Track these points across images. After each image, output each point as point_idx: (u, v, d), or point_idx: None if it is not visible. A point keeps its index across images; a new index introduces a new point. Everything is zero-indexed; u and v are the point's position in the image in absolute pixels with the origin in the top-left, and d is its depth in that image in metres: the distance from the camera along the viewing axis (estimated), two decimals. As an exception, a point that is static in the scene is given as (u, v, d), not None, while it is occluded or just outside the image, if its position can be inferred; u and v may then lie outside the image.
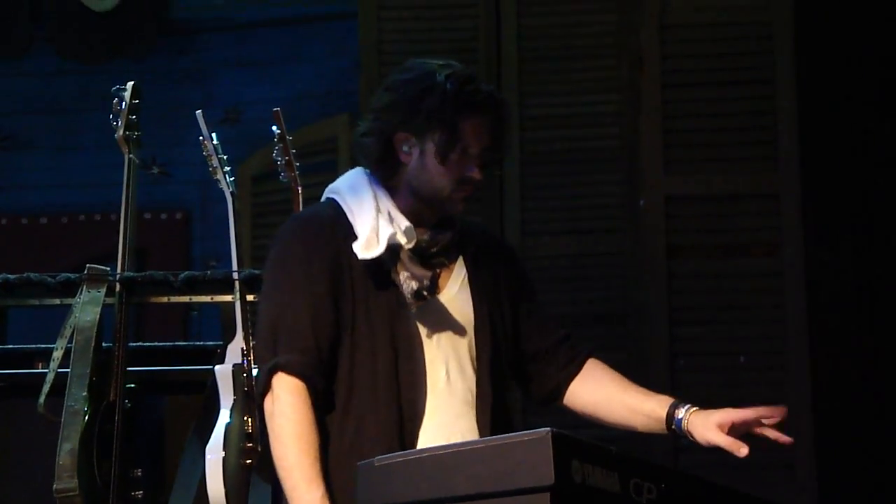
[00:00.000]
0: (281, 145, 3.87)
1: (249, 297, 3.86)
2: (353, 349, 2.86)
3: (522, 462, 2.14)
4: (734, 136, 5.81)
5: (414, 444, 2.82)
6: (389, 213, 2.91)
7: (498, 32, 5.97)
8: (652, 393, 3.00)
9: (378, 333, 2.86)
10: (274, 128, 3.87)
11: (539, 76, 5.95)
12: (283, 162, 3.89)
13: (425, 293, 2.88)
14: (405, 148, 2.91)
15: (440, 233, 2.95)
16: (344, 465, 2.78)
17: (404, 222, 2.89)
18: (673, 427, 2.91)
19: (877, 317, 5.67)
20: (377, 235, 2.86)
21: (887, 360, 5.61)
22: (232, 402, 3.68)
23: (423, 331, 2.90)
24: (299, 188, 3.90)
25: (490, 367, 2.95)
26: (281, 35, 7.12)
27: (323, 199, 3.04)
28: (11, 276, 4.09)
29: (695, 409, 2.92)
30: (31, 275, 4.09)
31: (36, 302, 4.10)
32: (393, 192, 2.95)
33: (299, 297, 2.86)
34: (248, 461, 3.62)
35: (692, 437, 2.90)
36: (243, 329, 3.76)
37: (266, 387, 2.83)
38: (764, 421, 2.93)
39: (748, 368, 5.65)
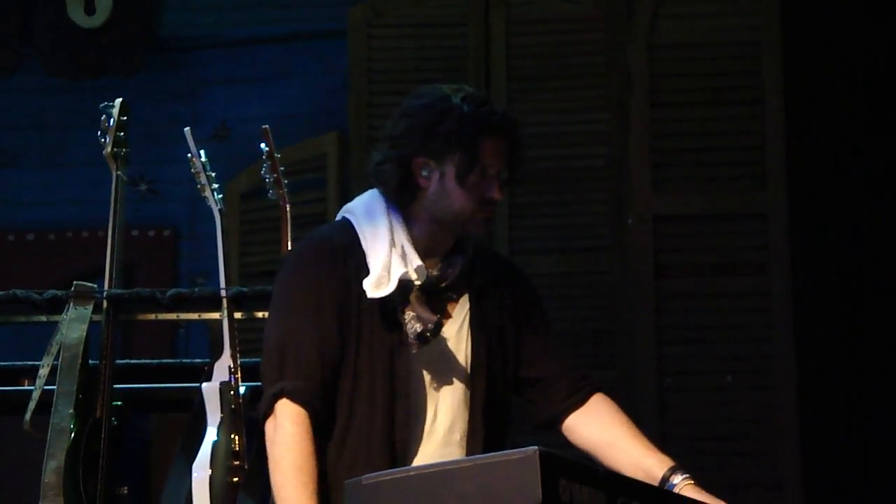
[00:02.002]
0: (269, 163, 3.87)
1: (237, 315, 3.86)
2: (355, 381, 2.87)
3: (510, 481, 2.14)
4: (722, 155, 5.83)
5: None
6: (403, 248, 2.91)
7: (487, 51, 5.98)
8: (654, 448, 2.97)
9: (378, 369, 2.87)
10: (262, 145, 3.87)
11: (528, 95, 5.95)
12: (272, 179, 3.89)
13: (428, 335, 2.89)
14: (424, 173, 2.91)
15: (451, 265, 2.95)
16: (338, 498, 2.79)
17: (416, 260, 2.89)
18: (665, 489, 2.88)
19: (864, 336, 5.68)
20: (388, 273, 2.87)
21: (874, 379, 5.61)
22: (219, 419, 3.68)
23: (421, 371, 2.91)
24: (287, 206, 3.90)
25: (483, 409, 2.95)
26: (270, 53, 7.12)
27: (338, 217, 3.04)
28: (-2, 293, 4.08)
29: (690, 482, 2.87)
30: (18, 291, 4.08)
31: (22, 319, 4.10)
32: (409, 219, 2.95)
33: (308, 323, 2.86)
34: (235, 479, 3.61)
35: None
36: (230, 346, 3.75)
37: (269, 410, 2.84)
38: None
39: (735, 387, 5.65)
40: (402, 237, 2.92)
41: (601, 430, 3.02)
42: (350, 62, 6.15)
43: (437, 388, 2.93)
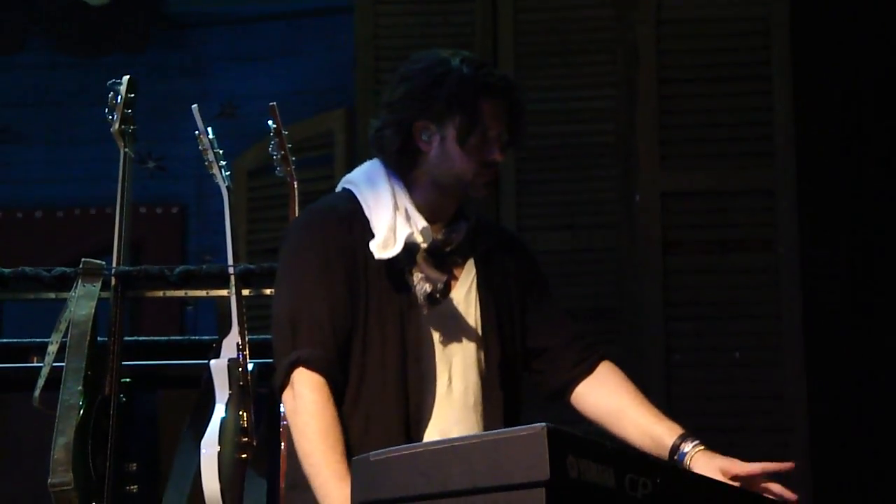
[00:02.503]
0: (277, 140, 3.87)
1: (245, 292, 3.86)
2: (365, 347, 2.85)
3: (518, 457, 2.14)
4: (730, 131, 5.81)
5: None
6: (406, 211, 2.89)
7: (494, 27, 5.97)
8: (662, 416, 2.96)
9: (389, 334, 2.85)
10: (270, 122, 3.87)
11: (535, 71, 5.94)
12: (279, 156, 3.89)
13: (438, 296, 2.87)
14: (425, 136, 2.90)
15: (454, 230, 2.94)
16: (362, 432, 2.80)
17: (421, 222, 2.88)
18: (675, 458, 2.87)
19: (872, 312, 5.68)
20: (394, 235, 2.85)
21: (882, 355, 5.61)
22: (227, 396, 3.68)
23: (432, 335, 2.89)
24: (295, 183, 3.89)
25: (499, 370, 2.94)
26: (277, 30, 7.12)
27: (339, 189, 3.02)
28: (6, 270, 4.09)
29: (701, 447, 2.87)
30: (27, 269, 4.08)
31: (31, 296, 4.10)
32: (411, 185, 2.93)
33: (318, 289, 2.84)
34: (244, 455, 3.62)
35: None
36: (238, 323, 3.76)
37: (285, 381, 2.81)
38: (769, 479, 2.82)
39: (743, 364, 5.65)
40: (405, 201, 2.91)
41: (609, 397, 3.01)
42: (357, 39, 6.14)
43: (449, 352, 2.91)
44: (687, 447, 2.86)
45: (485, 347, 2.94)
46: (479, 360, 2.94)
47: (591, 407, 3.04)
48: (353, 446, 2.78)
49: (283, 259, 2.95)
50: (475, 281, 2.97)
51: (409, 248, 2.86)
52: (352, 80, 6.19)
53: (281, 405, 3.62)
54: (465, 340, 2.93)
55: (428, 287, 2.87)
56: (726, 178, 5.77)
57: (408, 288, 2.87)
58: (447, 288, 2.90)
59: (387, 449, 2.41)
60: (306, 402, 2.78)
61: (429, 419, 2.86)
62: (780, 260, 5.68)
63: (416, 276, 2.88)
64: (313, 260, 2.87)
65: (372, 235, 2.86)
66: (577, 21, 5.97)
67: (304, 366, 2.79)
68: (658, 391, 5.49)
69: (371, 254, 2.85)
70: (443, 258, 2.92)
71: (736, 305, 5.69)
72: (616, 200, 5.86)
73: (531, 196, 5.87)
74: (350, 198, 2.95)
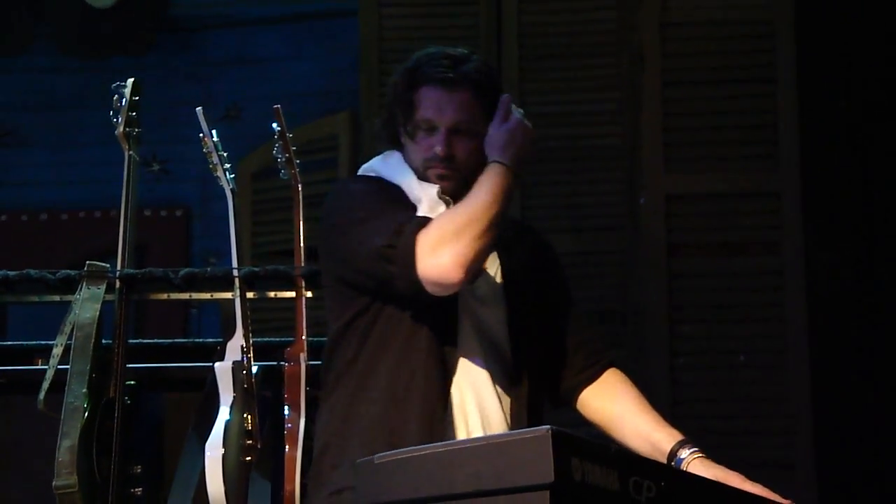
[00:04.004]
0: (281, 142, 3.87)
1: (249, 295, 3.86)
2: (397, 328, 2.84)
3: (522, 460, 2.14)
4: (735, 134, 5.81)
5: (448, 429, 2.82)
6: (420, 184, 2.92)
7: (499, 30, 5.97)
8: (664, 423, 2.96)
9: (423, 316, 2.83)
10: (274, 125, 3.86)
11: (540, 74, 5.94)
12: (284, 159, 3.89)
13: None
14: (400, 129, 2.96)
15: None
16: (399, 411, 2.79)
17: (435, 186, 2.89)
18: (672, 464, 2.86)
19: (877, 315, 5.67)
20: (432, 198, 2.87)
21: (887, 358, 5.61)
22: (231, 399, 3.68)
23: (463, 317, 2.88)
24: (299, 185, 3.89)
25: (527, 363, 2.94)
26: (282, 32, 7.12)
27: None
28: (11, 273, 4.09)
29: (699, 455, 2.86)
30: (31, 271, 4.08)
31: (35, 298, 4.10)
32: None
33: (394, 207, 2.83)
34: (248, 458, 3.62)
35: None
36: (243, 326, 3.76)
37: (411, 252, 2.70)
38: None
39: (748, 367, 5.65)
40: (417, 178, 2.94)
41: (612, 403, 3.01)
42: (361, 41, 6.14)
43: (479, 338, 2.90)
44: (684, 453, 2.86)
45: (512, 338, 2.93)
46: (505, 351, 2.93)
47: (595, 412, 3.04)
48: (402, 392, 2.78)
49: (343, 210, 2.90)
50: (499, 271, 2.96)
51: None
52: (356, 82, 6.19)
53: (286, 408, 3.65)
54: (493, 328, 2.92)
55: None
56: (731, 180, 5.77)
57: None
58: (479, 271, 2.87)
59: (391, 451, 2.41)
60: (431, 225, 2.72)
61: (466, 404, 2.86)
62: (785, 263, 5.68)
63: None
64: (379, 192, 2.87)
65: (409, 202, 2.88)
66: (580, 24, 5.97)
67: (421, 226, 2.73)
68: (662, 394, 5.49)
69: None
70: None
71: (741, 308, 5.68)
72: (620, 203, 5.85)
73: (535, 199, 5.86)
74: (375, 179, 2.97)
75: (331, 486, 2.84)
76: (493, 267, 2.95)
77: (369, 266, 2.78)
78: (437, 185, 2.89)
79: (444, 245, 2.70)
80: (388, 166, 2.96)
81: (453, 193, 2.89)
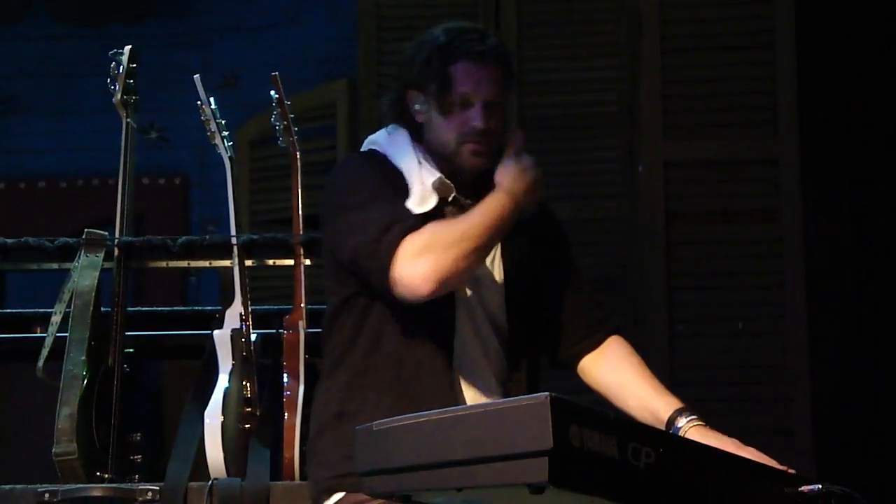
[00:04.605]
0: (279, 110, 3.86)
1: (248, 262, 3.86)
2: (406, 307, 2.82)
3: (521, 426, 2.14)
4: (733, 101, 5.80)
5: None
6: (426, 165, 2.92)
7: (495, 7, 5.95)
8: (664, 391, 2.97)
9: None
10: (272, 92, 3.85)
11: (538, 41, 5.93)
12: (282, 127, 3.88)
13: None
14: (416, 106, 2.94)
15: (473, 194, 2.93)
16: (413, 386, 2.81)
17: (437, 173, 2.90)
18: (670, 431, 2.87)
19: (875, 282, 5.68)
20: (424, 188, 2.87)
21: (885, 324, 5.61)
22: (230, 366, 3.68)
23: (463, 290, 2.89)
24: (297, 153, 3.88)
25: (522, 341, 2.97)
26: (279, 0, 7.10)
27: (363, 149, 3.05)
28: (9, 241, 4.08)
29: (696, 423, 2.87)
30: (30, 239, 4.08)
31: (34, 266, 4.09)
32: (425, 153, 2.97)
33: (390, 197, 2.84)
34: (247, 426, 3.62)
35: None
36: (241, 294, 3.76)
37: (390, 256, 2.72)
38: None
39: (746, 334, 5.66)
40: (421, 157, 2.94)
41: (612, 371, 3.02)
42: (360, 9, 6.12)
43: (477, 314, 2.92)
44: (682, 421, 2.87)
45: (510, 309, 2.95)
46: (502, 328, 2.95)
47: (595, 380, 3.05)
48: (411, 371, 2.80)
49: (337, 192, 2.92)
50: (497, 248, 2.96)
51: (440, 205, 2.88)
52: (354, 50, 6.17)
53: (285, 375, 3.66)
54: (490, 301, 2.94)
55: None
56: (730, 147, 5.76)
57: None
58: None
59: (390, 419, 2.41)
60: (423, 231, 2.73)
61: (459, 365, 2.88)
62: (784, 230, 5.68)
63: None
64: (377, 179, 2.86)
65: (405, 187, 2.88)
66: (580, -10, 5.95)
67: (409, 231, 2.74)
68: (661, 361, 5.50)
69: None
70: None
71: (739, 275, 5.69)
72: (619, 171, 5.85)
73: (534, 166, 5.85)
74: (377, 155, 2.98)
75: (334, 468, 2.86)
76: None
77: (349, 257, 2.82)
78: (438, 175, 2.89)
79: (428, 254, 2.72)
80: (393, 144, 2.96)
81: (483, 170, 2.92)
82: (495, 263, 2.97)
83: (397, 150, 2.94)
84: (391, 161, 2.94)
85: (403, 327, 2.86)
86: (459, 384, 2.89)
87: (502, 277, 2.97)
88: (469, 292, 2.92)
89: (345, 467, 2.77)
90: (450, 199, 2.92)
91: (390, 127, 3.02)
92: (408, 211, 2.82)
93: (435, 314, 2.85)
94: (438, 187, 2.88)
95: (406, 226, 2.75)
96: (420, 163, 2.92)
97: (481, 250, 2.78)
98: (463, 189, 2.94)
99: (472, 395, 2.90)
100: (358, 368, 2.90)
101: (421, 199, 2.85)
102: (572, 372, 3.08)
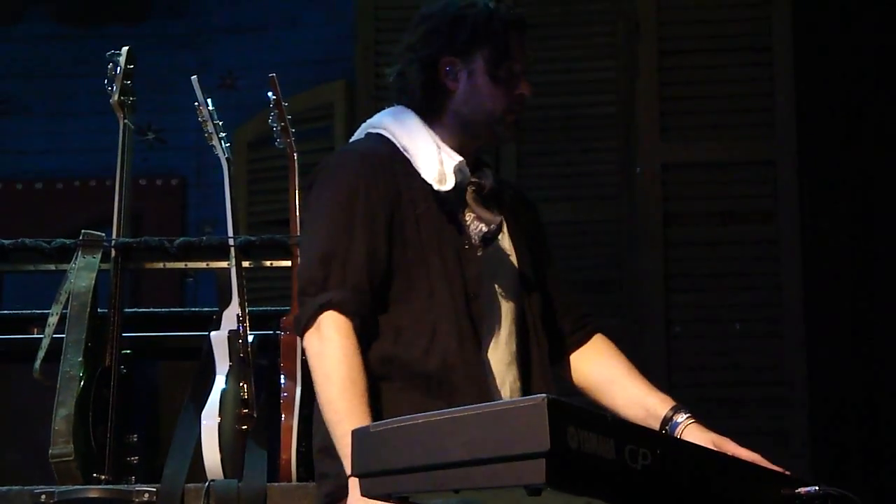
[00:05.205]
0: (276, 111, 3.86)
1: (245, 264, 3.86)
2: (432, 288, 2.76)
3: (518, 428, 2.14)
4: (731, 102, 5.81)
5: (491, 386, 2.79)
6: (441, 149, 2.83)
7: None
8: (654, 388, 2.94)
9: (451, 269, 2.78)
10: (269, 94, 3.85)
11: (536, 42, 5.90)
12: (279, 128, 3.88)
13: (491, 237, 2.82)
14: (451, 73, 2.84)
15: (483, 175, 2.87)
16: (435, 394, 2.70)
17: (458, 157, 2.82)
18: (667, 429, 2.86)
19: (872, 283, 5.68)
20: (444, 168, 2.79)
21: (882, 327, 5.61)
22: (228, 368, 3.68)
23: (485, 275, 2.83)
24: (295, 154, 3.88)
25: (542, 317, 2.92)
26: (277, 1, 7.10)
27: (362, 135, 2.94)
28: (6, 242, 4.08)
29: (693, 420, 2.85)
30: (27, 240, 4.08)
31: (31, 267, 4.09)
32: (437, 128, 2.86)
33: (357, 233, 2.73)
34: (244, 427, 3.62)
35: None
36: (238, 295, 3.75)
37: (311, 322, 2.69)
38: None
39: (744, 335, 5.66)
40: (437, 139, 2.85)
41: (601, 368, 3.00)
42: (357, 10, 6.12)
43: (500, 294, 2.87)
44: (680, 418, 2.86)
45: (527, 294, 2.91)
46: (521, 308, 2.90)
47: (583, 377, 3.03)
48: (436, 383, 2.72)
49: (318, 196, 2.83)
50: (506, 230, 2.92)
51: (458, 187, 2.81)
52: (352, 51, 6.17)
53: (282, 377, 3.66)
54: (510, 286, 2.90)
55: (483, 227, 2.81)
56: (727, 149, 5.77)
57: (460, 228, 2.81)
58: (499, 229, 2.84)
59: (386, 420, 2.41)
60: (335, 347, 2.66)
61: (487, 359, 2.82)
62: (781, 231, 5.68)
63: (469, 216, 2.83)
64: (352, 200, 2.76)
65: (416, 175, 2.80)
66: (577, -8, 5.96)
67: (335, 309, 2.68)
68: (658, 363, 5.50)
69: (418, 194, 2.78)
70: (484, 200, 2.87)
71: (736, 277, 5.69)
72: (616, 172, 5.86)
73: (531, 168, 5.86)
74: (385, 140, 2.87)
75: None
76: (503, 235, 2.91)
77: (299, 272, 2.81)
78: (459, 159, 2.81)
79: (314, 358, 2.69)
80: (403, 126, 2.86)
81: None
82: (507, 245, 2.93)
83: (409, 134, 2.85)
84: (399, 146, 2.84)
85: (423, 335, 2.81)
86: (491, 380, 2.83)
87: (516, 260, 2.93)
88: (495, 275, 2.86)
89: None
90: (475, 179, 2.85)
91: (394, 109, 2.92)
92: (363, 243, 2.74)
93: (462, 301, 2.79)
94: (457, 172, 2.83)
95: (331, 303, 2.68)
96: (439, 146, 2.84)
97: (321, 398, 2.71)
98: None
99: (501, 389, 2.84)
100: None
101: (440, 177, 2.80)
102: (556, 367, 3.03)
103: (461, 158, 2.82)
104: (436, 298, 2.76)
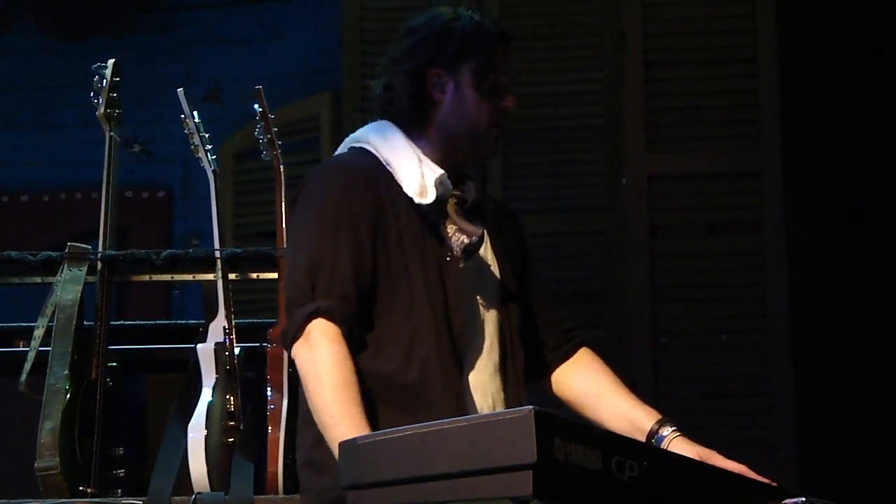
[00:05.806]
0: (263, 123, 3.86)
1: (231, 276, 3.86)
2: (412, 300, 2.77)
3: (505, 440, 2.14)
4: (717, 114, 5.82)
5: (467, 397, 2.79)
6: (423, 162, 2.84)
7: (481, 10, 5.95)
8: (639, 402, 2.94)
9: (432, 283, 2.78)
10: (256, 106, 3.85)
11: (522, 54, 5.93)
12: (265, 140, 3.87)
13: (472, 250, 2.82)
14: (437, 85, 2.85)
15: (466, 189, 2.88)
16: (412, 408, 2.69)
17: (440, 170, 2.83)
18: (652, 442, 2.85)
19: (858, 295, 5.69)
20: (425, 182, 2.80)
21: (868, 337, 5.63)
22: (214, 380, 3.68)
23: (466, 287, 2.84)
24: (281, 166, 3.88)
25: (519, 334, 2.92)
26: (263, 13, 7.11)
27: (345, 149, 2.94)
28: (-8, 254, 4.08)
29: (679, 434, 2.85)
30: (12, 253, 4.07)
31: (17, 280, 4.08)
32: (421, 141, 2.87)
33: (343, 243, 2.74)
34: (231, 439, 3.61)
35: None
36: (225, 307, 3.75)
37: (299, 332, 2.69)
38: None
39: (729, 347, 5.67)
40: (419, 153, 2.85)
41: (586, 382, 3.00)
42: (343, 22, 6.13)
43: (481, 306, 2.87)
44: (665, 431, 2.86)
45: (506, 309, 2.91)
46: (501, 321, 2.90)
47: (568, 391, 3.03)
48: (414, 394, 2.71)
49: (303, 208, 2.83)
50: (488, 242, 2.93)
51: (440, 199, 2.82)
52: (338, 63, 6.18)
53: (268, 389, 3.65)
54: (491, 297, 2.90)
55: (465, 239, 2.81)
56: (713, 160, 5.78)
57: (442, 241, 2.82)
58: (481, 241, 2.85)
59: (373, 433, 2.40)
60: (325, 353, 2.66)
61: (471, 370, 2.82)
62: (767, 242, 5.69)
63: (451, 229, 2.83)
64: (338, 211, 2.77)
65: (398, 188, 2.80)
66: (563, 3, 5.97)
67: (323, 317, 2.68)
68: (644, 374, 5.50)
69: (401, 206, 2.79)
70: (467, 213, 2.87)
71: (722, 288, 5.70)
72: (602, 183, 5.86)
73: (517, 179, 5.87)
74: (367, 153, 2.87)
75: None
76: (485, 247, 2.93)
77: (286, 283, 2.81)
78: (440, 172, 2.81)
79: (305, 366, 2.69)
80: (386, 141, 2.86)
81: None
82: (489, 258, 2.93)
83: (392, 148, 2.86)
84: (382, 160, 2.85)
85: (405, 351, 2.81)
86: (467, 392, 2.83)
87: (497, 273, 2.94)
88: (475, 287, 2.87)
89: None
90: (457, 192, 2.87)
91: (377, 123, 2.92)
92: (352, 258, 2.75)
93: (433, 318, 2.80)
94: (438, 185, 2.83)
95: (319, 311, 2.69)
96: (420, 160, 2.85)
97: (314, 406, 2.70)
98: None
99: (478, 400, 2.84)
100: None
101: (420, 190, 2.81)
102: (541, 381, 3.04)
103: (442, 171, 2.83)
104: (415, 310, 2.77)
